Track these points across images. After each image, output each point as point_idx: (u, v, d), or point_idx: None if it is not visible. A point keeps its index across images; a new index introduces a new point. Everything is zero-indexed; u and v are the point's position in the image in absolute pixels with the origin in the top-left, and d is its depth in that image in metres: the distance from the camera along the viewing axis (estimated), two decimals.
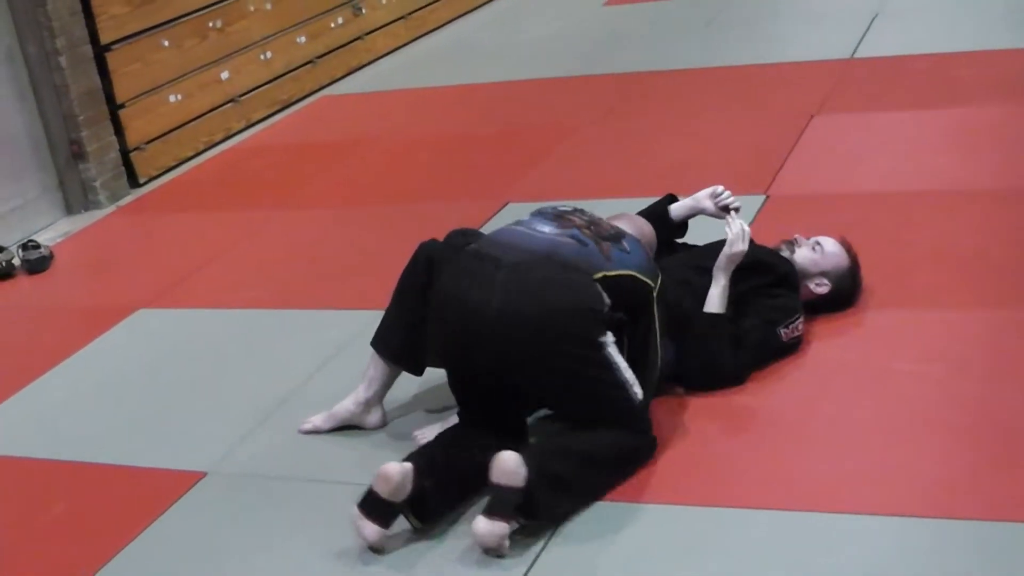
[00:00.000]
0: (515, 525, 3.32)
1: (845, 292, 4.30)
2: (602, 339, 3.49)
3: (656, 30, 9.06)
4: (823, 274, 4.25)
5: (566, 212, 3.72)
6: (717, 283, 4.06)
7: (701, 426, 3.81)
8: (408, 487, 3.36)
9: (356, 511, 3.38)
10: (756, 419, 3.82)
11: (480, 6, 10.77)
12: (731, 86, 7.30)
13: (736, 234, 4.09)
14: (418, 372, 4.06)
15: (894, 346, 4.09)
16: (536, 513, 3.35)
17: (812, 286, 4.25)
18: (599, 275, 3.53)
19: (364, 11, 9.30)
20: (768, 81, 7.27)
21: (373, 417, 4.03)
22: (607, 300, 3.51)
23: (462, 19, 10.48)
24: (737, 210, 4.31)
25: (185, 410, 4.43)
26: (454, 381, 3.72)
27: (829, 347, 4.13)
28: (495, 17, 10.50)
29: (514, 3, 10.90)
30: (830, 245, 4.29)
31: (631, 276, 3.60)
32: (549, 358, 3.48)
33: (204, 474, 3.98)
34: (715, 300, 4.03)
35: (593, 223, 3.69)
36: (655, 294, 3.67)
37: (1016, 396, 3.71)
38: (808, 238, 4.31)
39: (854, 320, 4.27)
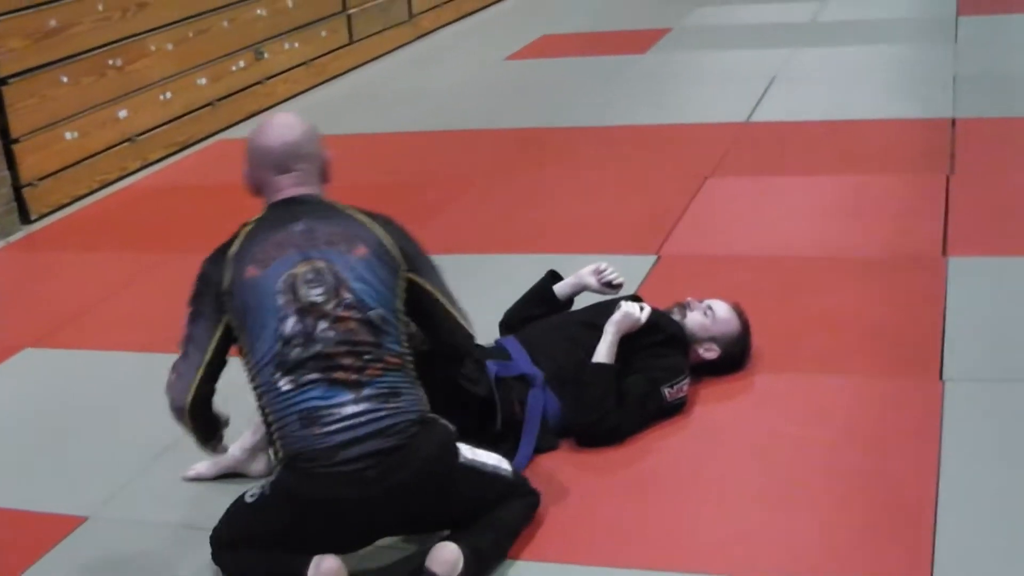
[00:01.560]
0: None
1: (734, 358, 4.35)
2: (459, 457, 3.39)
3: (556, 87, 9.17)
4: (712, 339, 4.29)
5: (316, 340, 3.27)
6: (606, 337, 4.09)
7: (587, 483, 3.82)
8: None
9: None
10: (642, 478, 3.83)
11: (382, 55, 10.82)
12: (628, 145, 7.40)
13: (636, 307, 4.14)
14: None
15: (781, 409, 4.15)
16: None
17: (701, 351, 4.29)
18: (420, 395, 3.39)
19: (266, 55, 9.30)
20: (665, 141, 7.37)
21: (258, 464, 4.00)
22: (451, 427, 3.41)
23: (364, 68, 10.53)
24: (620, 286, 4.38)
25: (69, 452, 4.37)
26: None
27: (717, 409, 4.17)
28: (397, 67, 10.56)
29: (416, 55, 10.98)
30: (722, 311, 4.33)
31: (398, 321, 3.39)
32: (438, 510, 3.39)
33: (85, 519, 3.92)
34: (603, 352, 4.06)
35: (348, 348, 3.28)
36: (404, 273, 3.42)
37: (898, 465, 3.76)
38: (701, 301, 4.36)
39: (743, 383, 4.32)
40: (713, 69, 9.18)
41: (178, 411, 3.47)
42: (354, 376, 3.25)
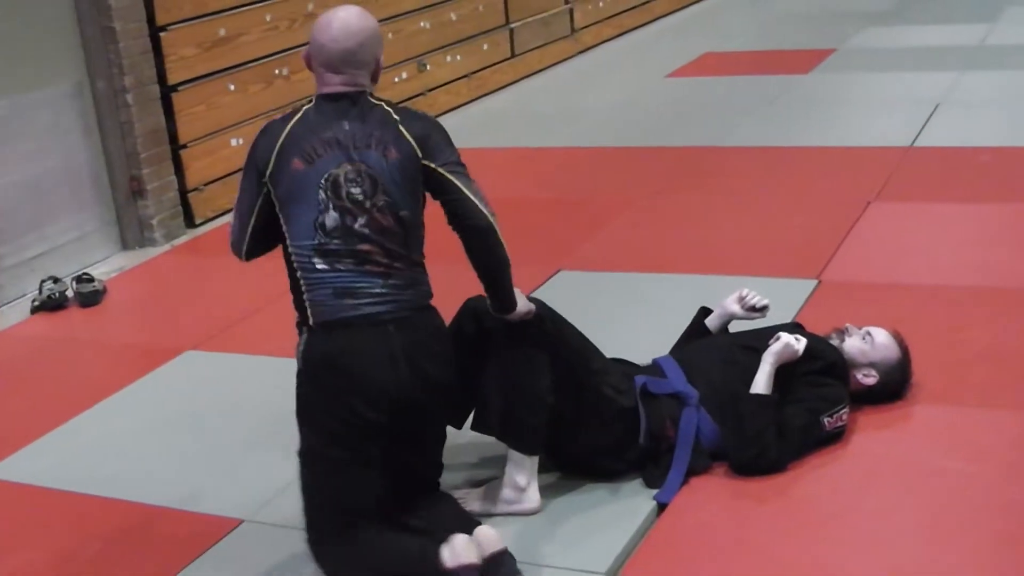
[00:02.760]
0: None
1: (893, 385, 4.27)
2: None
3: (717, 105, 9.11)
4: (871, 365, 4.23)
5: (354, 235, 3.55)
6: (764, 367, 4.05)
7: (740, 508, 3.79)
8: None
9: None
10: (796, 507, 3.79)
11: (543, 70, 10.85)
12: (789, 167, 7.31)
13: (793, 338, 4.09)
14: (458, 425, 4.08)
15: (941, 443, 4.06)
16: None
17: (860, 376, 4.23)
18: (429, 288, 3.70)
19: (428, 67, 9.38)
20: (826, 164, 7.27)
21: None
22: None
23: (524, 82, 10.56)
24: (765, 308, 4.37)
25: (227, 455, 4.45)
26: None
27: (875, 440, 4.10)
28: (557, 83, 10.58)
29: (576, 70, 10.99)
30: (881, 336, 4.27)
31: (420, 223, 3.68)
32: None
33: (240, 522, 3.99)
34: (761, 383, 4.02)
35: (381, 245, 3.57)
36: (421, 162, 3.61)
37: None
38: (860, 328, 4.30)
39: (902, 414, 4.24)
40: (877, 91, 9.04)
41: (238, 256, 3.82)
42: (382, 269, 3.57)
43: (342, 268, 3.55)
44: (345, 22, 3.63)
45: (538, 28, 10.86)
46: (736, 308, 4.43)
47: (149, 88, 6.96)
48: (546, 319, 3.84)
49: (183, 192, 7.22)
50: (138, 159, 6.92)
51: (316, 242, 3.56)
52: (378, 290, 3.55)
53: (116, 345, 5.68)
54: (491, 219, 3.61)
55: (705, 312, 4.54)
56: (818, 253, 5.74)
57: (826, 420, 4.00)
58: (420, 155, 3.58)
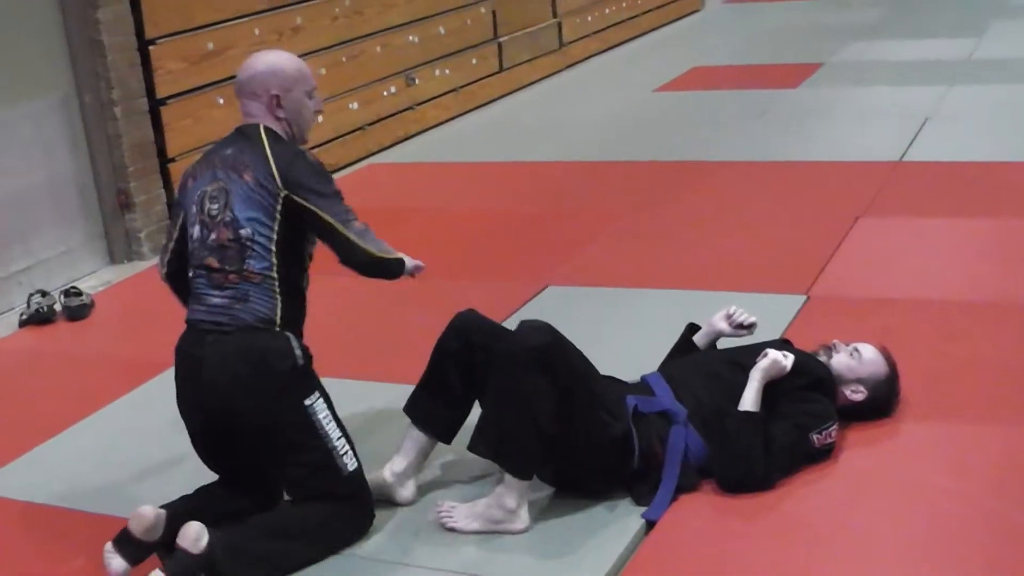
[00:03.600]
0: None
1: (881, 401, 4.27)
2: (305, 396, 3.81)
3: (705, 119, 9.13)
4: (859, 381, 4.23)
5: (205, 248, 3.84)
6: (752, 383, 4.04)
7: (729, 526, 3.78)
8: (160, 531, 3.72)
9: (109, 545, 3.72)
10: (785, 524, 3.78)
11: (531, 84, 10.86)
12: (777, 182, 7.32)
13: (781, 354, 4.08)
14: (447, 439, 4.09)
15: (929, 459, 4.06)
16: None
17: (848, 392, 4.22)
18: (272, 306, 3.82)
19: (417, 81, 9.38)
20: (815, 179, 7.29)
21: (406, 491, 4.03)
22: (296, 347, 3.85)
23: (512, 96, 10.57)
24: (752, 325, 4.36)
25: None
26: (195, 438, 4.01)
27: (863, 456, 4.09)
28: (545, 96, 10.59)
29: (564, 83, 11.00)
30: (869, 352, 4.27)
31: (268, 242, 3.81)
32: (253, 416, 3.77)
33: None
34: (749, 400, 4.01)
35: (219, 259, 3.82)
36: (281, 193, 3.79)
37: None
38: (847, 344, 4.30)
39: (890, 430, 4.23)
40: (866, 106, 9.06)
41: (162, 277, 4.16)
42: (220, 281, 3.83)
43: (198, 276, 3.88)
44: (253, 58, 4.02)
45: (526, 42, 10.88)
46: (723, 326, 4.43)
47: (137, 101, 6.95)
48: (553, 345, 3.80)
49: (171, 205, 7.19)
50: (125, 172, 6.91)
51: (191, 249, 3.91)
52: (215, 301, 3.82)
53: (104, 359, 5.66)
54: (370, 257, 3.89)
55: (693, 328, 4.54)
56: (806, 268, 5.74)
57: (815, 437, 3.99)
58: (281, 187, 3.78)
